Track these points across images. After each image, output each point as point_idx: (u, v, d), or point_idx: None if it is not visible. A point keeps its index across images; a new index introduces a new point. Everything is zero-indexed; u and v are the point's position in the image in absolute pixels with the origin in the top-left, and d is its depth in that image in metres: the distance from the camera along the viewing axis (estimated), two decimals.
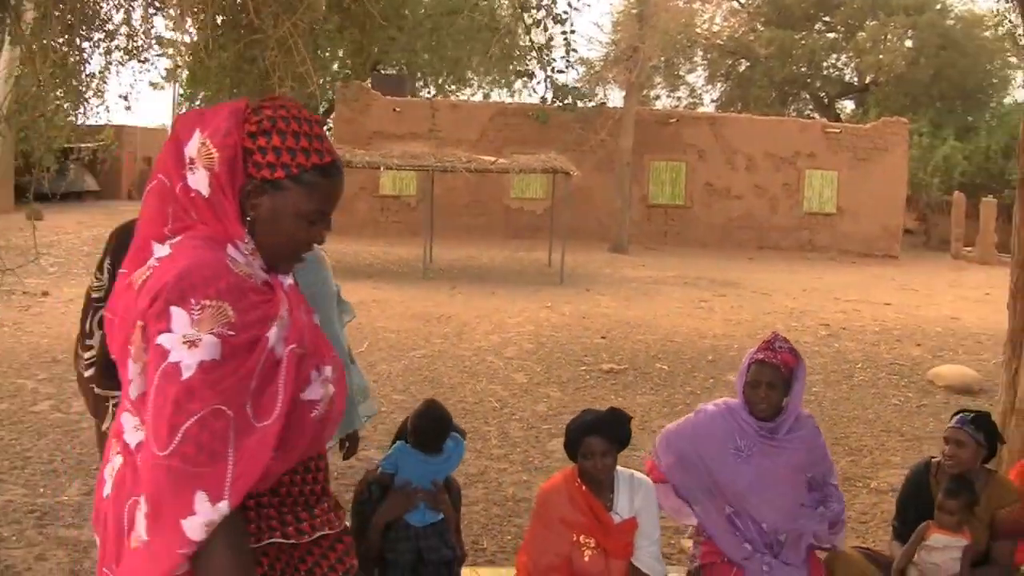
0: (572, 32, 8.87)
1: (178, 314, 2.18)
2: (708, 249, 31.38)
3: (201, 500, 2.13)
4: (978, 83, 42.58)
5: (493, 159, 23.06)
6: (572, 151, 27.07)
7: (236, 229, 2.36)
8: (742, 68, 45.24)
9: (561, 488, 4.89)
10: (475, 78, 40.43)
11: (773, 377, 5.01)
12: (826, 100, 46.08)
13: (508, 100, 38.51)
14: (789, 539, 5.11)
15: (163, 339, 2.18)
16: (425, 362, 11.80)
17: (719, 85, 46.82)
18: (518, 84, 38.11)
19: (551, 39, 9.08)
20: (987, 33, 42.79)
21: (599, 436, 4.78)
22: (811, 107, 46.46)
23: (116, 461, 2.39)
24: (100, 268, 3.69)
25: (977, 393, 11.92)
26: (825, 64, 45.33)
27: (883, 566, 5.48)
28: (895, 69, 39.30)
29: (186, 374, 2.15)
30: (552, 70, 9.21)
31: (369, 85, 29.86)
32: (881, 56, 40.20)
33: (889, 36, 41.14)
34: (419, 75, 39.51)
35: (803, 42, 43.32)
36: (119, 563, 2.30)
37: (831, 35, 45.00)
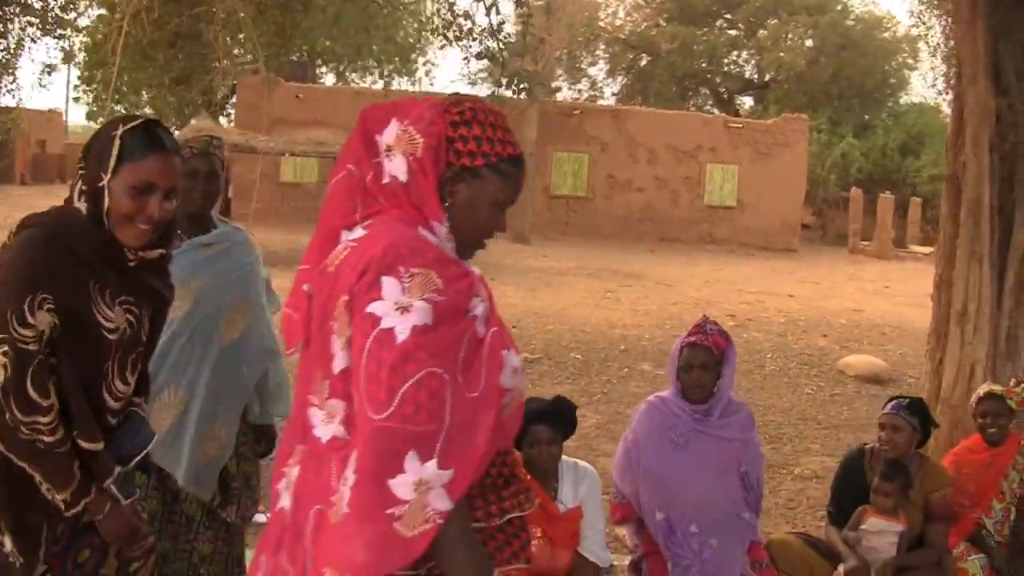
0: (531, 16, 8.82)
1: (389, 283, 2.27)
2: (609, 240, 31.47)
3: (411, 459, 2.20)
4: (876, 83, 43.51)
5: None
6: None
7: (436, 213, 2.44)
8: (643, 62, 45.55)
9: None
10: (376, 65, 40.15)
11: (706, 359, 5.04)
12: (726, 96, 46.60)
13: (411, 89, 38.26)
14: (721, 550, 5.12)
15: (374, 307, 2.26)
16: None
17: (620, 79, 47.07)
18: (420, 72, 37.94)
19: (503, 22, 9.03)
20: (886, 34, 43.82)
21: (545, 424, 4.74)
22: (711, 102, 46.96)
23: (293, 472, 2.48)
24: (30, 311, 2.79)
25: (886, 382, 12.13)
26: (726, 60, 45.88)
27: (820, 551, 5.53)
28: (795, 67, 39.95)
29: (400, 338, 2.23)
30: (507, 54, 9.15)
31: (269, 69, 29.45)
32: (782, 54, 40.82)
33: (790, 35, 41.80)
34: (319, 62, 39.09)
35: (705, 38, 43.84)
36: (299, 565, 2.40)
37: (733, 32, 45.54)
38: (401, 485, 2.20)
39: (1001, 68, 7.35)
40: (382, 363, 2.23)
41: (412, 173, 2.43)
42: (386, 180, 2.46)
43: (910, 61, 43.65)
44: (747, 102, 47.44)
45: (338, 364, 2.34)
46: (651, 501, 5.14)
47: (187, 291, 4.13)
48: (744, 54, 46.04)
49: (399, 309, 2.25)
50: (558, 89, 37.96)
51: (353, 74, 39.87)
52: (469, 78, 23.74)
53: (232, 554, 4.44)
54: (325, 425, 2.41)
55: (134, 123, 2.96)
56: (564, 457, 4.89)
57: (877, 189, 37.04)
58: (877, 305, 20.74)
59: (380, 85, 40.51)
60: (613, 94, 46.70)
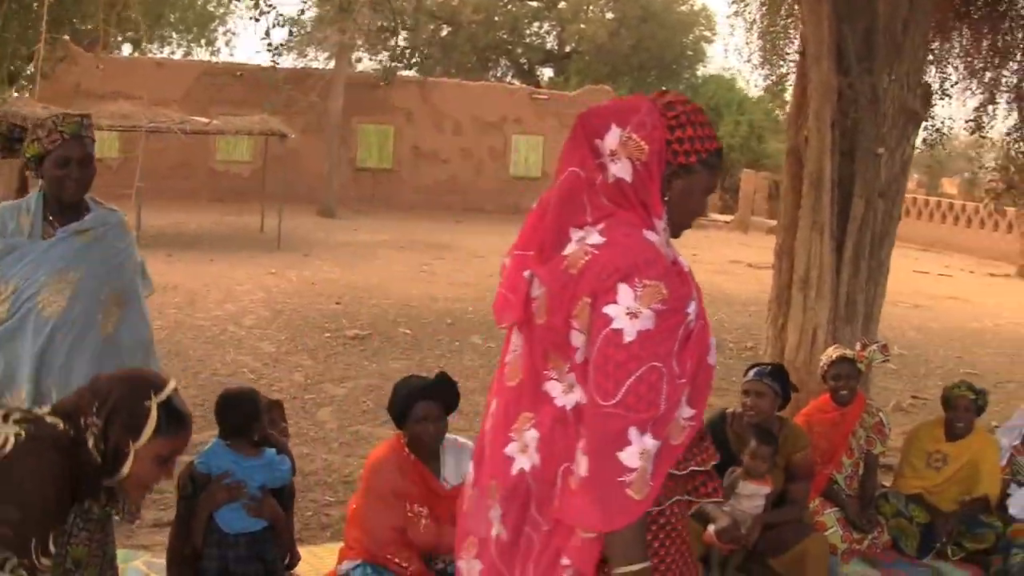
0: None
1: (624, 290, 2.66)
2: (415, 212, 31.32)
3: (634, 434, 2.64)
4: (675, 55, 44.53)
5: (207, 120, 22.26)
6: (280, 113, 26.26)
7: (659, 211, 2.81)
8: (444, 33, 45.43)
9: (390, 458, 4.84)
10: (175, 36, 38.95)
11: None
12: (527, 67, 46.93)
13: (213, 59, 37.20)
14: None
15: (609, 309, 2.67)
16: (164, 334, 11.24)
17: (421, 49, 46.80)
18: (220, 43, 36.99)
19: None
20: (684, 7, 44.89)
21: (433, 401, 4.74)
22: (512, 73, 47.21)
23: (529, 435, 2.88)
24: (54, 543, 2.81)
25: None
26: (527, 32, 46.12)
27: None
28: (597, 39, 40.49)
29: (627, 339, 2.63)
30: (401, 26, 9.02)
31: (68, 39, 28.06)
32: (583, 25, 41.33)
33: (591, 7, 42.36)
34: (113, 32, 37.59)
35: (507, 9, 44.01)
36: (549, 515, 2.85)
37: (534, 3, 45.75)
38: (630, 456, 2.64)
39: (843, 49, 7.70)
40: (609, 359, 2.65)
41: (638, 175, 2.78)
42: (613, 181, 2.79)
43: (707, 34, 44.90)
44: (548, 73, 47.87)
45: (579, 356, 2.75)
46: None
47: (64, 284, 4.00)
48: (545, 25, 46.38)
49: (629, 315, 2.65)
50: (359, 60, 37.45)
51: (151, 44, 38.54)
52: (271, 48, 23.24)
53: (107, 556, 4.27)
54: (566, 395, 2.81)
55: (164, 392, 2.94)
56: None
57: None
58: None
59: (179, 55, 39.41)
60: (414, 64, 46.44)
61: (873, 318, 8.01)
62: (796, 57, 11.66)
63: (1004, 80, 11.39)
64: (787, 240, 8.04)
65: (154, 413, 2.88)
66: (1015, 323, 18.44)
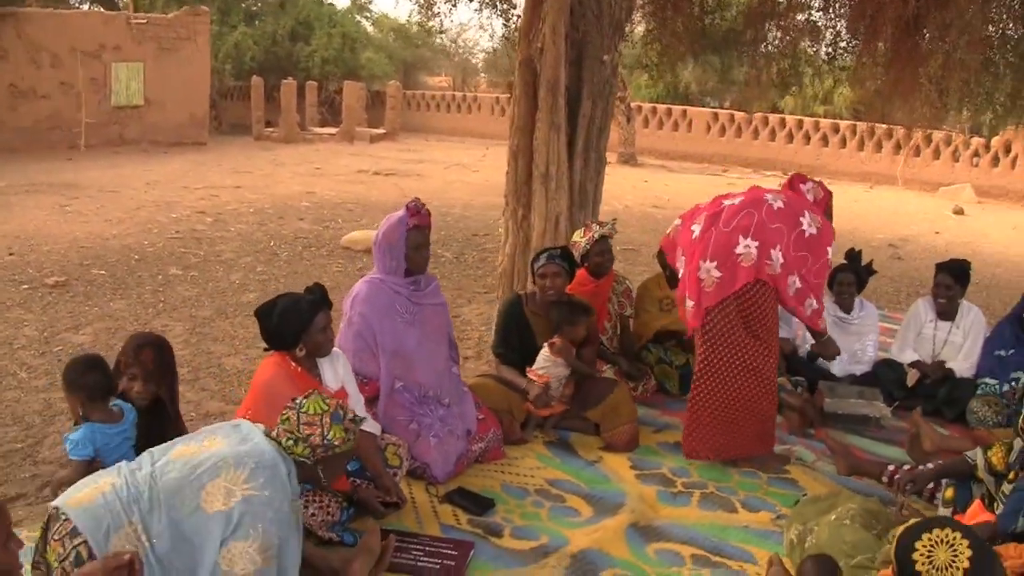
0: None
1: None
2: (20, 154, 29.67)
3: None
4: None
5: None
6: None
7: (816, 210, 6.38)
8: None
9: (280, 373, 5.15)
10: None
11: (428, 237, 5.97)
12: None
13: None
14: (452, 401, 6.09)
15: (826, 225, 6.37)
16: None
17: None
18: None
19: None
20: None
21: (323, 312, 5.23)
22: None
23: (777, 202, 6.21)
24: None
25: None
26: None
27: (508, 385, 6.65)
28: None
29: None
30: None
31: None
32: None
33: None
34: None
35: None
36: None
37: None
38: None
39: None
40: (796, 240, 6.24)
41: (816, 198, 6.50)
42: (806, 195, 6.48)
43: None
44: None
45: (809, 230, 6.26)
46: (392, 373, 5.92)
47: None
48: None
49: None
50: None
51: None
52: None
53: None
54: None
55: None
56: None
57: (272, 76, 38.26)
58: (322, 185, 22.05)
59: None
60: None
61: (599, 202, 9.21)
62: None
63: None
64: (522, 141, 9.00)
65: None
66: (628, 202, 20.97)
